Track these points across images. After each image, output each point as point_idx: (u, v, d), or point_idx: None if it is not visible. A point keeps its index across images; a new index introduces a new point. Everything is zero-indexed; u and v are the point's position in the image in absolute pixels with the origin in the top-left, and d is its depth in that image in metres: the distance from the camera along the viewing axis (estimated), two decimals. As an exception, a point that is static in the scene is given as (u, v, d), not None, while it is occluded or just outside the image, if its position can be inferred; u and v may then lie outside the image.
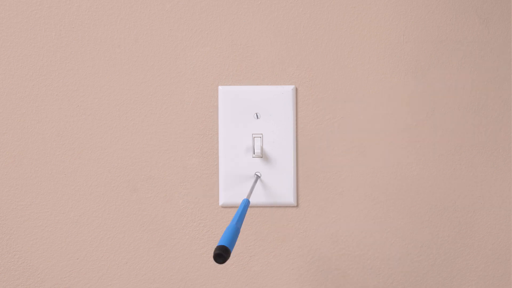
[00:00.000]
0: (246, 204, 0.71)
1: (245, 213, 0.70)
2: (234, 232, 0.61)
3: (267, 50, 0.89)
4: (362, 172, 0.89)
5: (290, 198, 0.89)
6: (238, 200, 0.88)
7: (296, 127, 0.89)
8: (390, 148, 0.89)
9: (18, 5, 0.88)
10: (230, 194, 0.88)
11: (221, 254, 0.55)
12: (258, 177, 0.87)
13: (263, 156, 0.88)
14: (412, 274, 0.90)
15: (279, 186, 0.89)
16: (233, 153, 0.88)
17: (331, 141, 0.89)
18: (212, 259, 0.90)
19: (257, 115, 0.88)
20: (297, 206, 0.90)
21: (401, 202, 0.90)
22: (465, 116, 0.89)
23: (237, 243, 0.90)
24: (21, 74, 0.88)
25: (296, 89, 0.88)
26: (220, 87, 0.88)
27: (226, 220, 0.90)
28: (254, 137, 0.88)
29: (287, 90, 0.87)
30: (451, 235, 0.90)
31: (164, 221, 0.90)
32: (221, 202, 0.89)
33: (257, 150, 0.88)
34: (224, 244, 0.56)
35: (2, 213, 0.89)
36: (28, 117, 0.89)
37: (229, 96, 0.88)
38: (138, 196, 0.89)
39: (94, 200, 0.89)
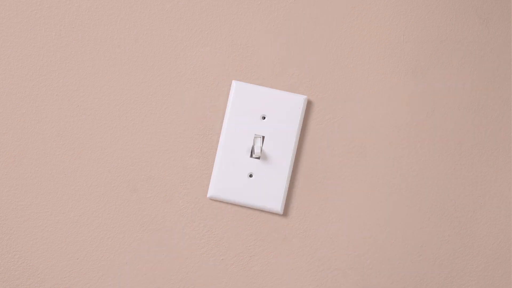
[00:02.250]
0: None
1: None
2: None
3: (267, 50, 0.89)
4: (362, 172, 0.89)
5: (278, 205, 0.88)
6: (227, 196, 0.88)
7: (300, 139, 0.89)
8: (390, 148, 0.89)
9: (18, 5, 0.88)
10: (220, 188, 0.88)
11: None
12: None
13: (261, 157, 0.88)
14: (412, 274, 0.90)
15: (270, 190, 0.88)
16: (232, 149, 0.88)
17: (331, 141, 0.89)
18: (212, 259, 0.90)
19: (263, 117, 0.88)
20: (283, 215, 0.89)
21: (401, 202, 0.90)
22: (465, 116, 0.89)
23: (237, 243, 0.90)
24: (21, 74, 0.88)
25: (308, 100, 0.88)
26: (234, 82, 0.88)
27: (226, 220, 0.90)
28: (255, 138, 0.88)
29: (299, 99, 0.87)
30: (451, 235, 0.90)
31: (164, 221, 0.90)
32: (209, 194, 0.89)
33: (257, 151, 0.88)
34: None
35: (2, 213, 0.89)
36: (28, 117, 0.89)
37: (241, 93, 0.88)
38: (138, 196, 0.89)
39: (94, 200, 0.89)
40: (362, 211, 0.90)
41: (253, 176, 0.88)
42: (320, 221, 0.90)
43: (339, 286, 0.90)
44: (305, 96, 0.88)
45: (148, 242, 0.90)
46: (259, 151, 0.87)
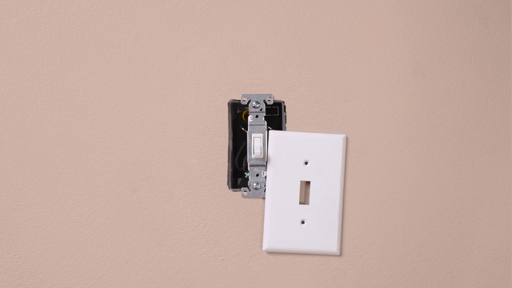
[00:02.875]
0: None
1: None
2: None
3: (267, 50, 0.89)
4: (362, 172, 0.89)
5: (333, 247, 0.88)
6: (283, 246, 0.88)
7: (345, 175, 0.89)
8: (390, 148, 0.89)
9: (18, 5, 0.88)
10: (275, 239, 0.88)
11: None
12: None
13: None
14: (412, 274, 0.90)
15: (324, 233, 0.88)
16: (280, 198, 0.88)
17: (331, 141, 0.89)
18: (212, 259, 0.90)
19: (305, 162, 0.88)
20: (340, 255, 0.90)
21: (401, 202, 0.90)
22: (465, 116, 0.89)
23: (237, 243, 0.90)
24: (21, 74, 0.88)
25: (347, 138, 0.88)
26: (271, 132, 0.88)
27: (226, 220, 0.90)
28: (254, 137, 0.88)
29: (338, 138, 0.87)
30: (451, 235, 0.90)
31: (164, 221, 0.90)
32: (265, 247, 0.88)
33: (257, 151, 0.88)
34: None
35: (2, 213, 0.89)
36: (28, 117, 0.89)
37: (279, 142, 0.88)
38: (138, 196, 0.89)
39: (94, 200, 0.89)
40: (362, 211, 0.90)
41: (305, 222, 0.88)
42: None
43: (339, 286, 0.90)
44: (343, 135, 0.88)
45: (148, 242, 0.90)
46: (259, 151, 0.87)
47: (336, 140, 0.88)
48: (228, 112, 0.90)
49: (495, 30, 0.88)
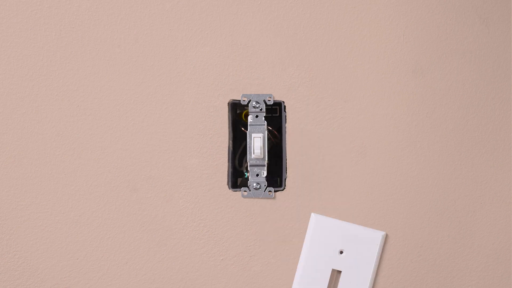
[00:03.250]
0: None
1: None
2: None
3: (267, 50, 0.89)
4: (362, 172, 0.89)
5: None
6: None
7: (377, 271, 0.89)
8: (390, 148, 0.89)
9: (18, 5, 0.88)
10: None
11: None
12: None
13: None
14: (412, 274, 0.90)
15: None
16: (308, 284, 0.88)
17: (331, 141, 0.89)
18: (212, 259, 0.90)
19: (341, 251, 0.87)
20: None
21: (401, 202, 0.90)
22: (465, 116, 0.89)
23: (237, 243, 0.90)
24: (21, 74, 0.88)
25: (387, 235, 0.88)
26: (313, 215, 0.88)
27: (226, 220, 0.90)
28: (254, 137, 0.88)
29: (377, 235, 0.88)
30: (451, 235, 0.90)
31: (164, 221, 0.90)
32: None
33: (257, 151, 0.88)
34: None
35: (2, 213, 0.89)
36: (28, 117, 0.89)
37: (320, 226, 0.88)
38: (138, 196, 0.89)
39: (94, 200, 0.89)
40: (362, 211, 0.90)
41: None
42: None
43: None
44: (383, 233, 0.88)
45: (148, 242, 0.90)
46: (259, 151, 0.87)
47: (375, 237, 0.88)
48: (228, 112, 0.90)
49: (495, 30, 0.88)
